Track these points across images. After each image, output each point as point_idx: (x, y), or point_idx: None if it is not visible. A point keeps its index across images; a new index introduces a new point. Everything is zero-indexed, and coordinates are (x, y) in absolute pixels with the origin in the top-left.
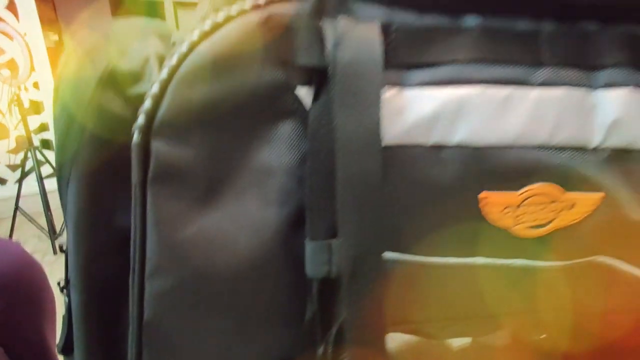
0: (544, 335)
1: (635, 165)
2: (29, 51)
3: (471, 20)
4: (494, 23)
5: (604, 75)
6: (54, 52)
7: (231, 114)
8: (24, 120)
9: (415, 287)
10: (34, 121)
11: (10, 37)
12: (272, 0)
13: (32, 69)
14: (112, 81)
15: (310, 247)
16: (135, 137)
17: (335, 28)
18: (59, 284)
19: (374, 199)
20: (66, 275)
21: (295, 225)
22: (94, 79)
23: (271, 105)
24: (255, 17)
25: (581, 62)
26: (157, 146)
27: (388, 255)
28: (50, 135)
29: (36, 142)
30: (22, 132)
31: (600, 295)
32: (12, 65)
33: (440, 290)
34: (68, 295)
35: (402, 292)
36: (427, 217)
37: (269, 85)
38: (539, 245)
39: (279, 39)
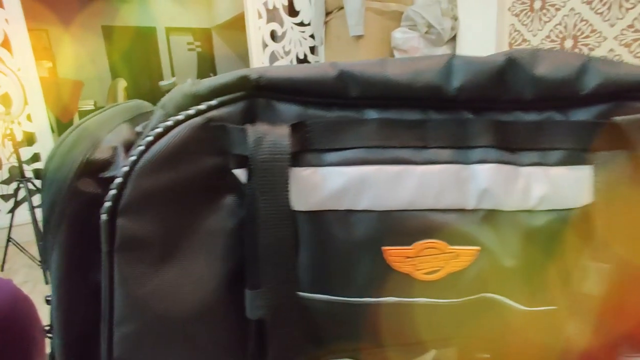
0: (487, 356)
1: (502, 224)
2: (22, 86)
3: (371, 114)
4: (389, 115)
5: (477, 153)
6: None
7: (182, 193)
8: (17, 153)
9: (343, 321)
10: (27, 152)
11: (4, 74)
12: (211, 107)
13: (26, 102)
14: (88, 169)
15: (248, 295)
16: (104, 217)
17: (255, 130)
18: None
19: (286, 258)
20: (50, 321)
21: (238, 277)
22: (72, 170)
23: (214, 183)
24: (199, 120)
25: (459, 144)
26: (121, 223)
27: (315, 296)
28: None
29: (29, 173)
30: (15, 163)
31: (492, 324)
32: (6, 100)
33: (366, 324)
34: (51, 338)
35: (334, 326)
36: (348, 265)
37: (212, 169)
38: (438, 287)
39: (218, 136)
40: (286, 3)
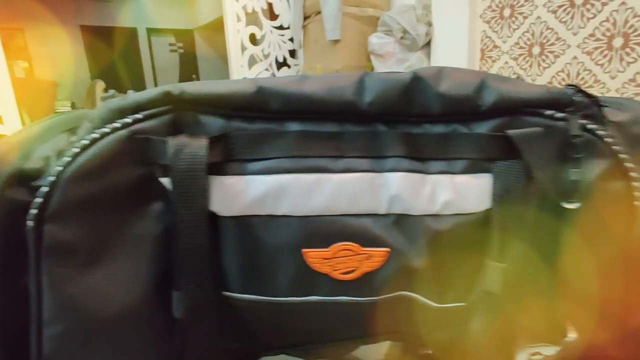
0: (429, 351)
1: (410, 227)
2: None
3: (293, 126)
4: (309, 127)
5: (389, 162)
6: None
7: (108, 201)
8: None
9: (273, 320)
10: None
11: None
12: (137, 120)
13: None
14: (18, 178)
15: (174, 295)
16: (30, 223)
17: (175, 142)
18: None
19: (202, 262)
20: None
21: (167, 279)
22: (2, 178)
23: (142, 191)
24: (124, 133)
25: (373, 154)
26: (48, 229)
27: (244, 297)
28: None
29: None
30: None
31: (410, 320)
32: None
33: (294, 322)
34: None
35: (264, 325)
36: (273, 267)
37: (139, 178)
38: (356, 286)
39: (142, 147)
40: (265, 7)
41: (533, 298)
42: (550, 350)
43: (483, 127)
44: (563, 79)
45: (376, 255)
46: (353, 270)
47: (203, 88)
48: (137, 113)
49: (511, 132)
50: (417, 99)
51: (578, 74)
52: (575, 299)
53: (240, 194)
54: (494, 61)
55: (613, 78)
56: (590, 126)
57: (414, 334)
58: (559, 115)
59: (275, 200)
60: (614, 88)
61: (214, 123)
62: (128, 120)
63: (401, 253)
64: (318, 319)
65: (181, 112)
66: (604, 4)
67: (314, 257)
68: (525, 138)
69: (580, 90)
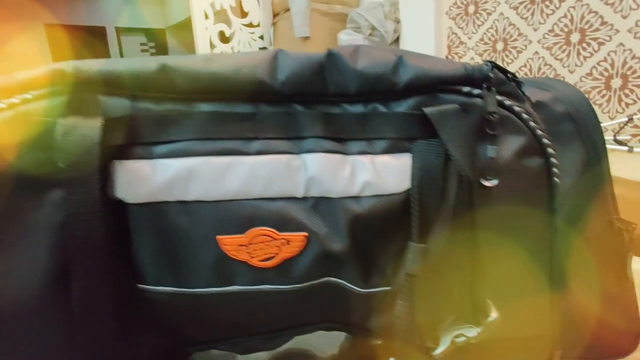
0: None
1: (329, 210)
2: None
3: (203, 107)
4: (220, 108)
5: (307, 143)
6: None
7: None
8: None
9: (194, 313)
10: None
11: None
12: (25, 101)
13: None
14: None
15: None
16: None
17: (64, 124)
18: None
19: (98, 251)
20: None
21: (64, 274)
22: None
23: (37, 177)
24: (10, 114)
25: (290, 135)
26: None
27: (159, 289)
28: None
29: None
30: None
31: (338, 307)
32: None
33: (217, 314)
34: None
35: (186, 318)
36: (188, 256)
37: (33, 164)
38: (277, 273)
39: (32, 130)
40: (235, 4)
41: (455, 279)
42: (473, 332)
43: (402, 106)
44: (525, 74)
45: (295, 240)
46: (272, 257)
47: (100, 66)
48: (25, 93)
49: (427, 109)
50: (334, 78)
51: (539, 68)
52: (495, 278)
53: (146, 178)
54: (460, 57)
55: (572, 72)
56: (507, 102)
57: (345, 322)
58: (476, 92)
59: (185, 185)
60: (572, 82)
61: (118, 104)
62: (15, 100)
63: (321, 237)
64: (242, 310)
65: (79, 93)
66: (561, 1)
67: (230, 243)
68: (441, 116)
69: (496, 67)
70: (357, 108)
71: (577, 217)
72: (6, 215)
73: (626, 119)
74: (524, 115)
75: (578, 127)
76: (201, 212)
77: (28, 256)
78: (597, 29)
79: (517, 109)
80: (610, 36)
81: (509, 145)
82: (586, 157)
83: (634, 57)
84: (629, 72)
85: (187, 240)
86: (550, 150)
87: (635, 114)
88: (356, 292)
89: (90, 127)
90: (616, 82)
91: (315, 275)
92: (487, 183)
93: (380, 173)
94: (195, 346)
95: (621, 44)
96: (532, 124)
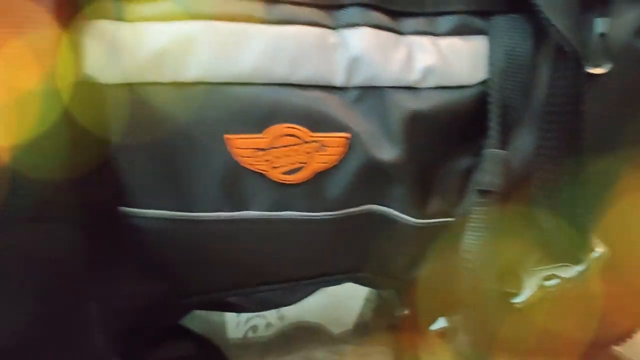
0: (406, 312)
1: (378, 104)
2: None
3: None
4: None
5: (347, 14)
6: None
7: None
8: None
9: (193, 249)
10: None
11: None
12: None
13: None
14: None
15: None
16: None
17: None
18: None
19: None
20: None
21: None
22: None
23: None
24: None
25: (319, 1)
26: None
27: (149, 212)
28: None
29: None
30: None
31: (379, 246)
32: None
33: (225, 251)
34: None
35: (183, 258)
36: (187, 164)
37: None
38: (308, 193)
39: None
40: None
41: (546, 202)
42: (571, 272)
43: None
44: None
45: (332, 144)
46: (300, 168)
47: None
48: None
49: None
50: None
51: None
52: (606, 202)
53: (128, 49)
54: None
55: None
56: None
57: (385, 271)
58: None
59: (181, 60)
60: None
61: None
62: None
63: (366, 141)
64: (256, 246)
65: None
66: None
67: (243, 146)
68: None
69: None
70: None
71: None
72: None
73: None
74: None
75: None
76: (204, 98)
77: None
78: None
79: None
80: None
81: (626, 17)
82: None
83: None
84: None
85: (186, 139)
86: None
87: None
88: (407, 223)
89: None
90: None
91: (355, 200)
92: (595, 70)
93: (446, 58)
94: (192, 297)
95: None
96: None
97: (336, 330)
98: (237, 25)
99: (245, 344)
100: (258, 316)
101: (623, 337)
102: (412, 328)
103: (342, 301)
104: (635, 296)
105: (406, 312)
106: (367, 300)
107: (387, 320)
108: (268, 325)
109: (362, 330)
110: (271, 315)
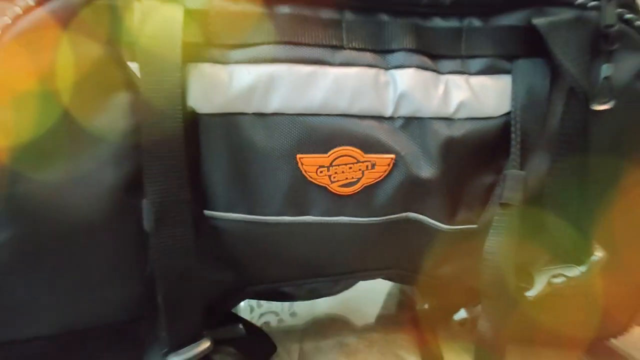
0: (426, 305)
1: (419, 131)
2: None
3: (282, 9)
4: (302, 11)
5: (396, 57)
6: None
7: (60, 85)
8: None
9: (261, 246)
10: None
11: None
12: None
13: None
14: None
15: (144, 204)
16: None
17: (142, 6)
18: None
19: (175, 163)
20: None
21: (133, 186)
22: None
23: (105, 78)
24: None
25: (377, 47)
26: None
27: (228, 215)
28: None
29: None
30: None
31: (415, 248)
32: None
33: (287, 248)
34: None
35: (253, 253)
36: (263, 177)
37: (101, 60)
38: (356, 202)
39: (103, 19)
40: None
41: (556, 212)
42: (574, 271)
43: (502, 21)
44: None
45: (380, 164)
46: (354, 182)
47: None
48: None
49: (536, 20)
50: None
51: None
52: (605, 213)
53: (223, 86)
54: None
55: None
56: (626, 16)
57: (416, 268)
58: (592, 3)
59: (265, 95)
60: None
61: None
62: None
63: (408, 162)
64: (313, 245)
65: None
66: None
67: (310, 164)
68: (553, 27)
69: None
70: (452, 22)
71: None
72: (66, 120)
73: None
74: None
75: None
76: (281, 126)
77: (94, 166)
78: None
79: (638, 23)
80: None
81: (628, 64)
82: None
83: None
84: None
85: (263, 158)
86: None
87: None
88: (438, 229)
89: (171, 15)
90: None
91: (396, 208)
92: (600, 106)
93: (476, 94)
94: (257, 285)
95: None
96: None
97: (361, 322)
98: (309, 67)
99: (284, 331)
100: (271, 312)
101: (620, 331)
102: (432, 319)
103: (365, 295)
104: (631, 294)
105: (426, 306)
106: (390, 294)
107: (409, 312)
108: (280, 321)
109: (387, 321)
110: (284, 312)
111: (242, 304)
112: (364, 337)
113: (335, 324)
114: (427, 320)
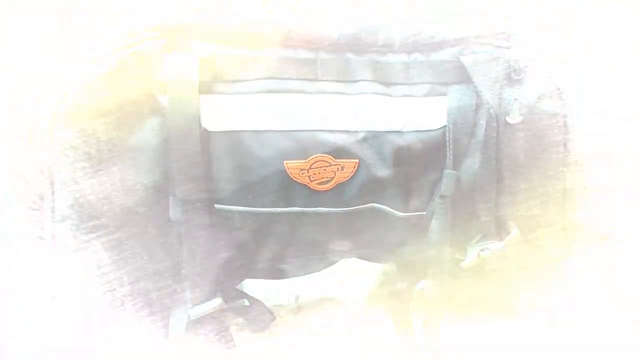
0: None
1: (377, 142)
2: None
3: (270, 52)
4: (285, 53)
5: (358, 86)
6: None
7: (113, 113)
8: None
9: (260, 231)
10: None
11: None
12: (134, 43)
13: None
14: None
15: (171, 200)
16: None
17: (171, 59)
18: None
19: (194, 168)
20: None
21: (164, 186)
22: None
23: (141, 107)
24: (127, 52)
25: (343, 78)
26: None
27: (233, 208)
28: None
29: None
30: None
31: (378, 231)
32: None
33: (279, 232)
34: None
35: (254, 236)
36: (260, 179)
37: (140, 95)
38: (331, 196)
39: (145, 64)
40: None
41: (483, 201)
42: (498, 245)
43: (440, 56)
44: None
45: (348, 166)
46: (328, 180)
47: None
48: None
49: (463, 58)
50: (381, 34)
51: None
52: (517, 201)
53: (226, 110)
54: None
55: None
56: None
57: (383, 247)
58: (505, 44)
59: (259, 117)
60: None
61: (202, 46)
62: (134, 41)
63: (369, 165)
64: (299, 229)
65: (173, 37)
66: None
67: (294, 167)
68: (475, 63)
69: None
70: (401, 57)
71: None
72: (117, 136)
73: None
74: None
75: None
76: (272, 140)
77: (133, 172)
78: None
79: (539, 59)
80: None
81: (531, 89)
82: None
83: None
84: None
85: (258, 164)
86: (565, 95)
87: None
88: (394, 215)
89: (191, 65)
90: None
91: (361, 200)
92: (511, 120)
93: (421, 112)
94: (260, 263)
95: None
96: (550, 72)
97: (350, 300)
98: (293, 95)
99: (279, 307)
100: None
101: None
102: (406, 295)
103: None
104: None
105: (405, 284)
106: (374, 276)
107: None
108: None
109: (371, 299)
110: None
111: None
112: (352, 312)
113: (326, 302)
114: (403, 295)
